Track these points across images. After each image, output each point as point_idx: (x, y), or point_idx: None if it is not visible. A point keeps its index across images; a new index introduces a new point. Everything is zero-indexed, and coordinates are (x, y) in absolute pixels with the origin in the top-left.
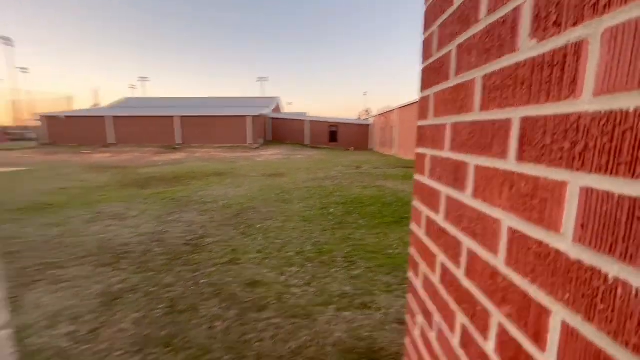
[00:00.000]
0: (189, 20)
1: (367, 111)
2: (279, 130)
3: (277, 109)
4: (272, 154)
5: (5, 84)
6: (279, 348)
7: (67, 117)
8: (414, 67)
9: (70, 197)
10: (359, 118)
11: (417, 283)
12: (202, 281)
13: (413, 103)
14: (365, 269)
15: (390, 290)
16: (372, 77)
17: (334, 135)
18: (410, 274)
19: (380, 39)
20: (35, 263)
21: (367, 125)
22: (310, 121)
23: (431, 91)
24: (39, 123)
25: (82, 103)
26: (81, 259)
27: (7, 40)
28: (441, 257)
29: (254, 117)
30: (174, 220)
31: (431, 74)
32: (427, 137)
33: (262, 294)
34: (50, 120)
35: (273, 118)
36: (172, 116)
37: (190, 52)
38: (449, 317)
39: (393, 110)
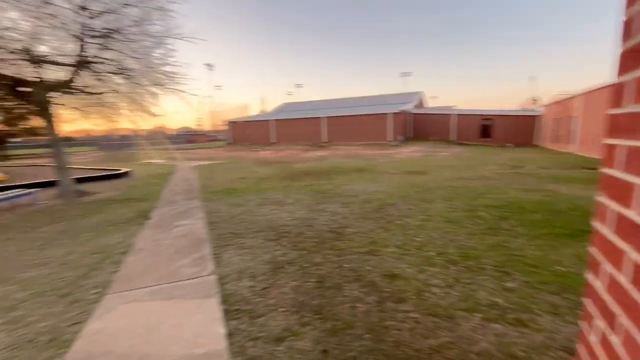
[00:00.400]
0: (333, 26)
1: (534, 100)
2: (422, 126)
3: (420, 104)
4: (412, 151)
5: (208, 99)
6: (417, 341)
7: (243, 122)
8: (597, 50)
9: (247, 184)
10: (522, 109)
11: (598, 284)
12: (345, 265)
13: (605, 87)
14: (523, 282)
15: (558, 313)
16: (538, 61)
17: (486, 129)
18: (590, 276)
19: (546, 19)
20: (227, 232)
21: (533, 117)
22: (458, 115)
23: (632, 75)
24: (226, 127)
25: (254, 110)
26: (255, 233)
27: (210, 66)
28: (633, 255)
29: (394, 114)
30: (321, 209)
31: (634, 57)
32: (623, 126)
33: (401, 286)
34: (233, 124)
35: (415, 114)
36: (319, 117)
37: (336, 56)
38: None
39: (576, 96)
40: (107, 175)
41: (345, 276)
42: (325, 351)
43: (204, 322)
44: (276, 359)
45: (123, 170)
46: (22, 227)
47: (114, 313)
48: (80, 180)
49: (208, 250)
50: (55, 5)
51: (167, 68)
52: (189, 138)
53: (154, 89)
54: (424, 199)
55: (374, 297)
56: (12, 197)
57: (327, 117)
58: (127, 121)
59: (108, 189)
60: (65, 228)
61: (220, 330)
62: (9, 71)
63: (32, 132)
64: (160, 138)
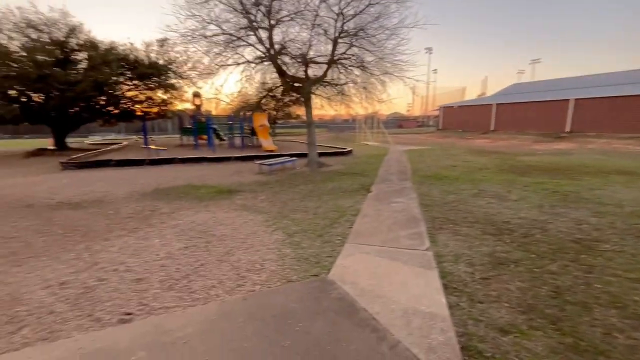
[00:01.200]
0: None
1: None
2: None
3: None
4: None
5: (425, 84)
6: None
7: (457, 106)
8: None
9: (458, 173)
10: None
11: None
12: (597, 286)
13: None
14: None
15: None
16: None
17: None
18: None
19: None
20: (440, 216)
21: None
22: None
23: None
24: (437, 112)
25: (471, 93)
26: (471, 224)
27: (430, 50)
28: None
29: None
30: (558, 213)
31: None
32: None
33: None
34: (446, 109)
35: None
36: (561, 100)
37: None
38: None
39: None
40: (336, 152)
41: (596, 297)
42: None
43: (425, 288)
44: (500, 347)
45: (347, 149)
46: (288, 183)
47: (353, 258)
48: (319, 154)
49: (423, 228)
50: (322, 16)
51: (397, 57)
52: (399, 123)
53: (383, 78)
54: None
55: None
56: (283, 162)
57: (575, 99)
58: (359, 107)
59: (337, 163)
60: (313, 189)
61: (442, 299)
62: (290, 72)
63: (289, 116)
64: (375, 122)
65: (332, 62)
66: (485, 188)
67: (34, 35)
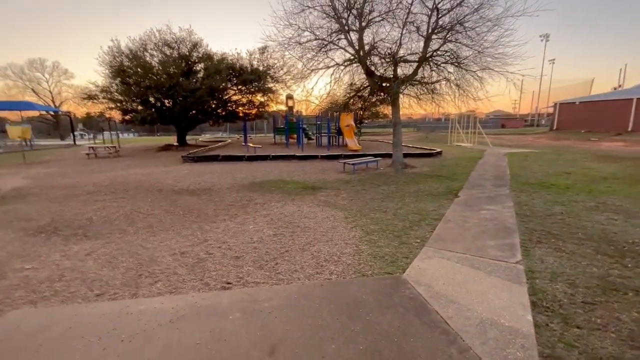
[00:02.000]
0: None
1: None
2: None
3: None
4: None
5: (537, 78)
6: None
7: (579, 103)
8: None
9: (572, 181)
10: None
11: None
12: None
13: None
14: None
15: None
16: None
17: None
18: None
19: None
20: (540, 229)
21: None
22: None
23: None
24: (550, 110)
25: (603, 86)
26: (580, 240)
27: (546, 37)
28: None
29: None
30: None
31: None
32: None
33: None
34: (563, 106)
35: None
36: None
37: None
38: None
39: None
40: (423, 153)
41: None
42: None
43: (509, 302)
44: None
45: (436, 150)
46: (370, 183)
47: (431, 261)
48: (404, 155)
49: (516, 240)
50: (414, 13)
51: (500, 50)
52: (501, 122)
53: (481, 74)
54: None
55: None
56: (367, 162)
57: None
58: (452, 106)
59: (423, 165)
60: (395, 190)
61: (528, 316)
62: (378, 72)
63: (376, 115)
64: (470, 121)
65: (423, 60)
66: (607, 201)
67: (167, 52)
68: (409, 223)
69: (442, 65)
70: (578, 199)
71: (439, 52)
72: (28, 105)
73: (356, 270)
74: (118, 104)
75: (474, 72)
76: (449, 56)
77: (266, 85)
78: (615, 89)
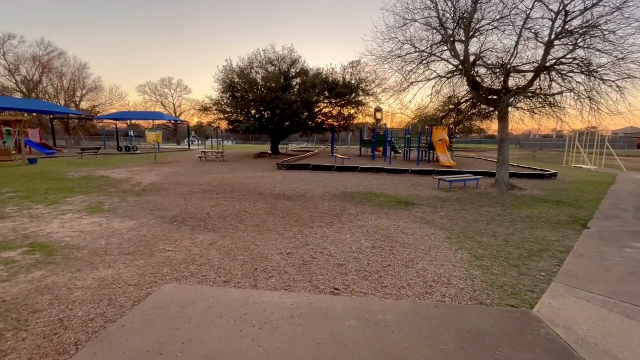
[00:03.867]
0: None
1: None
2: None
3: None
4: None
5: None
6: None
7: None
8: None
9: None
10: None
11: None
12: None
13: None
14: None
15: None
16: None
17: None
18: None
19: None
20: None
21: None
22: None
23: None
24: None
25: None
26: None
27: None
28: None
29: None
30: None
31: None
32: None
33: None
34: None
35: None
36: None
37: None
38: None
39: None
40: (533, 174)
41: None
42: None
43: None
44: None
45: (550, 171)
46: (471, 203)
47: (565, 300)
48: (509, 175)
49: None
50: (533, 18)
51: None
52: (638, 141)
53: (621, 84)
54: None
55: None
56: (466, 179)
57: None
58: (578, 121)
59: (533, 187)
60: (502, 212)
61: None
62: (485, 83)
63: (469, 130)
64: (596, 139)
65: (543, 69)
66: None
67: (270, 69)
68: (525, 252)
69: (567, 74)
70: None
71: (564, 60)
72: (159, 115)
73: (472, 297)
74: (226, 115)
75: (613, 81)
76: (577, 64)
77: (357, 98)
78: None
